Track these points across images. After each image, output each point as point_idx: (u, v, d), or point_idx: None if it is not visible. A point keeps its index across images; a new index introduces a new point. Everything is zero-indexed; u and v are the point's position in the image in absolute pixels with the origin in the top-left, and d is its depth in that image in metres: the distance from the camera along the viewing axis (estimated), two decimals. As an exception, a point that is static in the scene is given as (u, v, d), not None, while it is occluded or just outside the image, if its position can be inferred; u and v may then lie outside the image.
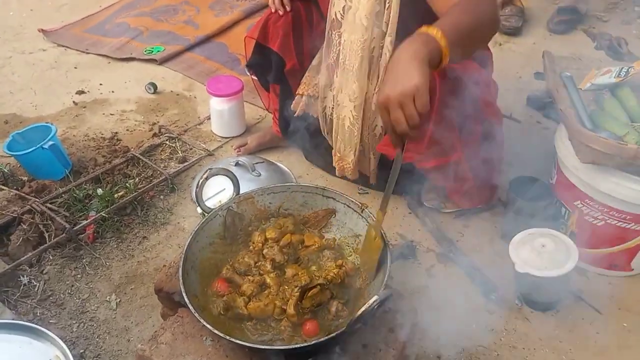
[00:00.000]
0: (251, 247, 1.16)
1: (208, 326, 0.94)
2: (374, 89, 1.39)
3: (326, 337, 0.94)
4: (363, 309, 0.90)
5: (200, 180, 1.15)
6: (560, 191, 1.42)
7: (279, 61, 1.52)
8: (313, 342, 0.96)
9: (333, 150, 1.55)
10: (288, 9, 1.48)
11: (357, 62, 1.34)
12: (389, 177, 1.06)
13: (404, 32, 1.27)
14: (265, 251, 1.12)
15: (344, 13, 1.33)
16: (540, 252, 1.26)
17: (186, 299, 0.99)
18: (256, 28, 1.54)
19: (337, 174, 1.59)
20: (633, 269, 1.40)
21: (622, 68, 1.44)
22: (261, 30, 1.52)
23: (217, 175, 1.17)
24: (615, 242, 1.35)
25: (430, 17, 1.18)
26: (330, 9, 1.36)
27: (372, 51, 1.34)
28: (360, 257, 1.15)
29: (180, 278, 1.02)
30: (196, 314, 0.97)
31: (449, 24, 1.02)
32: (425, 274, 1.43)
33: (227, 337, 0.95)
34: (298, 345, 0.96)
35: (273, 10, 1.49)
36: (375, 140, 1.48)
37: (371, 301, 0.90)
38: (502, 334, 1.28)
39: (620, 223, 1.30)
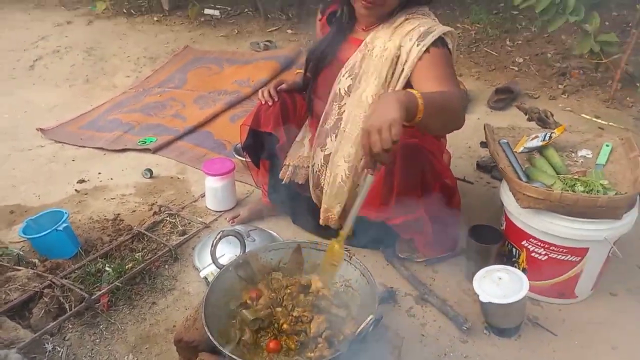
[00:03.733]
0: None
1: (233, 356, 1.12)
2: None
3: (331, 356, 1.13)
4: (361, 327, 1.11)
5: (215, 241, 1.37)
6: (509, 234, 1.70)
7: (272, 140, 1.82)
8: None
9: (322, 203, 1.78)
10: (276, 99, 1.81)
11: (356, 132, 1.63)
12: (356, 198, 1.28)
13: None
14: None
15: (349, 90, 1.65)
16: (499, 284, 1.51)
17: (208, 332, 1.17)
18: (249, 117, 1.85)
19: (321, 222, 1.82)
20: (577, 296, 1.66)
21: (546, 134, 1.80)
22: (254, 119, 1.83)
23: (228, 236, 1.40)
24: (558, 273, 1.61)
25: None
26: (335, 85, 1.68)
27: None
28: (322, 268, 1.37)
29: (203, 318, 1.21)
30: (219, 347, 1.15)
31: (427, 95, 1.27)
32: (405, 314, 1.64)
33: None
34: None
35: (263, 102, 1.82)
36: None
37: (368, 319, 1.12)
38: (475, 359, 1.49)
39: (560, 256, 1.57)
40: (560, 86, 3.18)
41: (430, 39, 1.50)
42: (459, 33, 3.90)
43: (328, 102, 1.73)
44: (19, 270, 1.74)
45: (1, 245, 1.90)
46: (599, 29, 2.78)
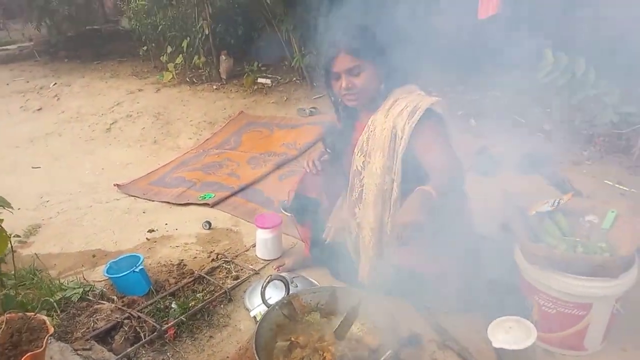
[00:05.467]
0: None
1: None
2: (387, 218, 1.96)
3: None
4: (382, 359, 1.37)
5: (265, 283, 1.68)
6: (523, 289, 1.91)
7: (317, 204, 2.14)
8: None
9: (361, 262, 2.05)
10: (320, 168, 2.13)
11: (372, 198, 1.93)
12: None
13: (405, 179, 1.88)
14: None
15: (363, 166, 1.96)
16: (509, 332, 1.71)
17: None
18: (296, 183, 2.19)
19: (358, 278, 2.09)
20: (587, 349, 1.82)
21: (555, 200, 2.03)
22: (300, 185, 2.17)
23: (275, 280, 1.70)
24: (566, 326, 1.79)
25: (421, 171, 1.79)
26: (353, 163, 1.99)
27: (385, 192, 1.92)
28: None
29: (254, 347, 1.49)
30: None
31: (437, 184, 1.62)
32: (428, 358, 1.86)
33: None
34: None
35: (308, 171, 2.14)
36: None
37: (387, 354, 1.37)
38: (490, 401, 1.67)
39: (567, 310, 1.76)
40: (584, 152, 3.39)
41: (418, 116, 1.79)
42: (488, 101, 4.20)
43: (350, 178, 2.04)
44: (104, 304, 2.10)
45: (87, 283, 2.28)
46: (621, 100, 3.01)
